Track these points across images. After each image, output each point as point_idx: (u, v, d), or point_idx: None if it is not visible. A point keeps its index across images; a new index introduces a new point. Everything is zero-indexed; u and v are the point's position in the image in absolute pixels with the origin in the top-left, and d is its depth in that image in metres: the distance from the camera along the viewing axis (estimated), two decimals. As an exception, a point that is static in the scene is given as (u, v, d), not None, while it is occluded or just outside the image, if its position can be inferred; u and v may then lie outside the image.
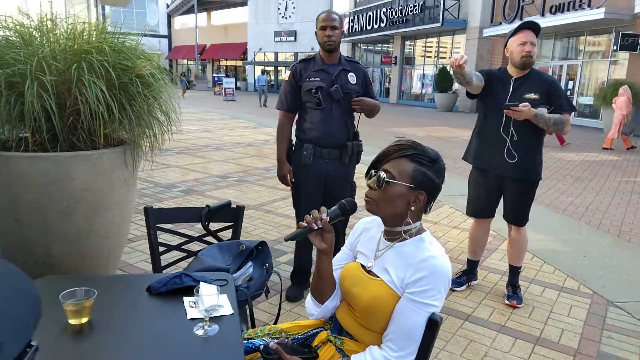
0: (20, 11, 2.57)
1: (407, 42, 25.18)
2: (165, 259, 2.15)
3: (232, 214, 2.21)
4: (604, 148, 10.47)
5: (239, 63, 40.03)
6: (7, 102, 2.30)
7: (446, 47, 22.91)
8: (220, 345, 1.28)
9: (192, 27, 37.47)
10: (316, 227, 1.36)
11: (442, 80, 20.77)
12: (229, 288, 1.57)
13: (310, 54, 2.96)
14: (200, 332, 1.30)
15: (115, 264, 2.89)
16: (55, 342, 1.24)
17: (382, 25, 24.11)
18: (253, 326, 1.75)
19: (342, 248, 1.60)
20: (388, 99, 26.23)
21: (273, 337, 1.50)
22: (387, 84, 27.36)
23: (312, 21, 2.84)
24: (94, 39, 2.58)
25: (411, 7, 21.89)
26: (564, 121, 2.79)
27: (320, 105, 2.78)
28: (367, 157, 1.49)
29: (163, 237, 2.14)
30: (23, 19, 2.54)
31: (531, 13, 15.83)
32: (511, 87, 2.87)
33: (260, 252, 1.96)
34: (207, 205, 2.14)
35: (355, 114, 2.92)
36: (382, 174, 1.35)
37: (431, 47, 23.86)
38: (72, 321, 1.29)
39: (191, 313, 1.39)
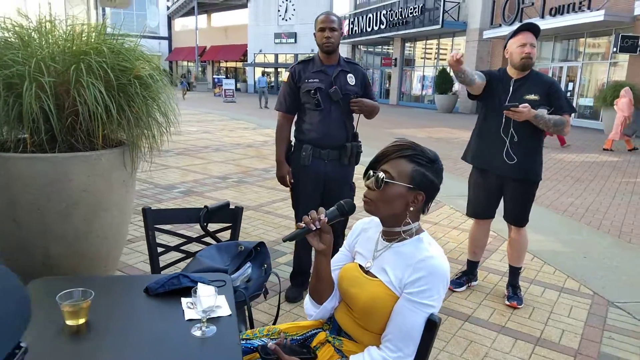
0: (19, 13, 2.57)
1: (407, 44, 25.20)
2: (164, 259, 2.14)
3: (230, 215, 2.21)
4: (604, 149, 10.48)
5: (239, 65, 40.07)
6: (6, 103, 2.30)
7: (446, 49, 22.92)
8: (217, 346, 1.27)
9: (192, 28, 37.53)
10: (314, 228, 1.36)
11: (442, 82, 20.79)
12: (227, 289, 1.56)
13: (310, 55, 2.96)
14: (197, 333, 1.29)
15: (115, 265, 2.88)
16: (52, 343, 1.24)
17: (382, 27, 24.13)
18: (252, 327, 1.74)
19: (340, 249, 1.59)
20: (388, 101, 26.26)
21: (272, 337, 1.49)
22: (387, 86, 27.38)
23: (312, 23, 2.84)
24: (92, 40, 2.58)
25: (411, 9, 21.90)
26: (564, 122, 2.79)
27: (319, 107, 2.78)
28: (367, 158, 1.48)
29: (162, 238, 2.14)
30: (22, 21, 2.54)
31: (531, 15, 15.85)
32: (511, 88, 2.87)
33: (258, 253, 1.95)
34: (205, 206, 2.14)
35: (354, 115, 2.91)
36: (381, 175, 1.34)
37: (431, 49, 23.88)
38: (69, 322, 1.28)
39: (189, 314, 1.39)
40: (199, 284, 1.41)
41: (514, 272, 3.15)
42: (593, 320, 2.88)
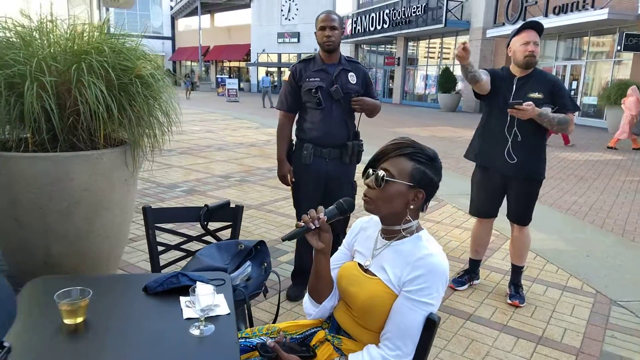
0: (22, 14, 2.58)
1: (410, 43, 25.15)
2: (164, 258, 2.14)
3: (231, 214, 2.21)
4: (608, 147, 10.44)
5: (242, 64, 40.10)
6: (7, 102, 2.31)
7: (449, 48, 22.85)
8: (215, 345, 1.27)
9: (195, 28, 37.61)
10: (313, 227, 1.35)
11: (445, 81, 20.74)
12: (226, 288, 1.56)
13: (311, 54, 2.96)
14: (196, 332, 1.29)
15: (116, 264, 2.89)
16: (50, 342, 1.24)
17: (385, 26, 24.09)
18: (251, 325, 1.74)
19: (339, 247, 1.59)
20: (391, 100, 26.23)
21: (271, 336, 1.49)
22: (390, 85, 27.35)
23: (314, 22, 2.83)
24: (94, 40, 2.59)
25: (414, 8, 21.86)
26: (568, 121, 2.78)
27: (320, 105, 2.78)
28: (368, 156, 1.48)
29: (163, 237, 2.14)
30: (23, 20, 2.55)
31: (534, 14, 15.77)
32: (514, 86, 2.86)
33: (258, 252, 1.95)
34: (205, 205, 2.14)
35: (355, 113, 2.91)
36: (381, 173, 1.34)
37: (434, 48, 23.82)
38: (67, 321, 1.28)
39: (187, 313, 1.39)
40: (197, 282, 1.41)
41: (517, 271, 3.14)
42: (596, 319, 2.86)
